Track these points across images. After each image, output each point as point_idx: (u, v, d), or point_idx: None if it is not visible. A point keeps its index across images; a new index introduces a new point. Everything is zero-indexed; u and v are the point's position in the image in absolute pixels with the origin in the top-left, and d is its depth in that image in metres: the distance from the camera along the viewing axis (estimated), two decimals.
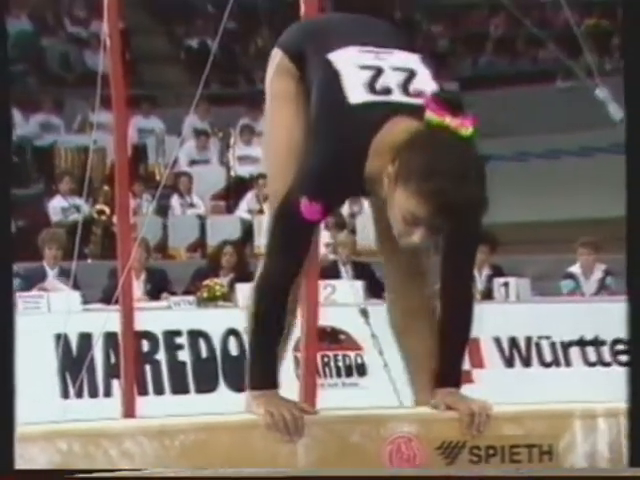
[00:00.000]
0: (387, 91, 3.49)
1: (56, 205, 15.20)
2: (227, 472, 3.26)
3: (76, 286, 11.07)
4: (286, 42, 3.78)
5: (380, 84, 3.49)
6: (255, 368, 3.65)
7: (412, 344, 3.97)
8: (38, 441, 3.23)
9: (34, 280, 11.55)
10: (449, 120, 3.33)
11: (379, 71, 3.52)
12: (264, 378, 3.63)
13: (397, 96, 3.48)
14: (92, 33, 17.77)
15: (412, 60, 3.63)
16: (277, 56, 3.78)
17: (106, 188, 14.40)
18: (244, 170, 16.70)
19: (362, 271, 11.84)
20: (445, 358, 3.75)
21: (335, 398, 8.42)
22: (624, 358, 10.91)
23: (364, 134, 3.42)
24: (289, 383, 3.85)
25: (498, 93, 19.77)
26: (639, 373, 3.22)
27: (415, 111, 3.42)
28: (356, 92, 3.48)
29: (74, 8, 19.91)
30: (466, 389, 3.77)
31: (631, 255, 3.22)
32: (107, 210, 14.09)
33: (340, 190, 3.58)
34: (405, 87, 3.50)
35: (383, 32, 3.78)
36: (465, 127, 3.35)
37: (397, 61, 3.58)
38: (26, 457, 3.15)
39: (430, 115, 3.34)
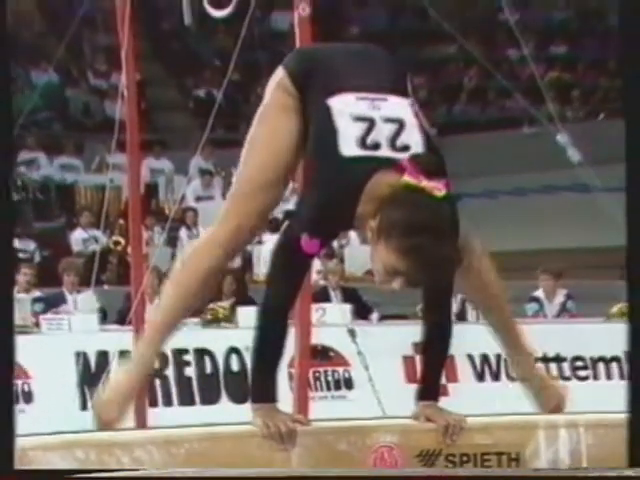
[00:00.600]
0: (376, 146, 3.45)
1: (77, 237, 15.22)
2: (225, 472, 3.25)
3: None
4: (291, 66, 3.68)
5: (371, 139, 3.46)
6: (256, 383, 3.67)
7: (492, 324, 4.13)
8: (58, 450, 3.21)
9: (55, 303, 11.52)
10: (424, 183, 3.33)
11: (372, 123, 3.47)
12: (264, 393, 3.62)
13: (384, 151, 3.45)
14: (111, 84, 17.79)
15: (403, 108, 3.55)
16: (280, 75, 3.69)
17: (121, 222, 14.40)
18: None
19: (349, 296, 11.83)
20: (426, 375, 3.82)
21: (325, 409, 8.39)
22: (583, 373, 10.90)
23: (355, 184, 3.41)
24: (284, 396, 3.83)
25: (471, 138, 19.81)
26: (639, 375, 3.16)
27: (399, 165, 3.40)
28: (348, 146, 3.45)
29: (96, 62, 19.94)
30: (442, 401, 3.78)
31: (631, 272, 3.18)
32: (122, 241, 14.06)
33: (335, 228, 3.61)
34: (393, 141, 3.47)
35: (382, 69, 3.67)
36: (438, 189, 3.34)
37: (389, 111, 3.51)
38: (48, 464, 3.14)
39: (407, 179, 3.33)
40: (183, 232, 15.60)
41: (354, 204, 3.41)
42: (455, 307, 12.09)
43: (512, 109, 18.60)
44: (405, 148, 3.46)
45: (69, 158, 17.68)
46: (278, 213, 15.54)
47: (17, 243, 14.94)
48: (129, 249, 8.54)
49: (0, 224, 3.02)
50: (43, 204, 16.36)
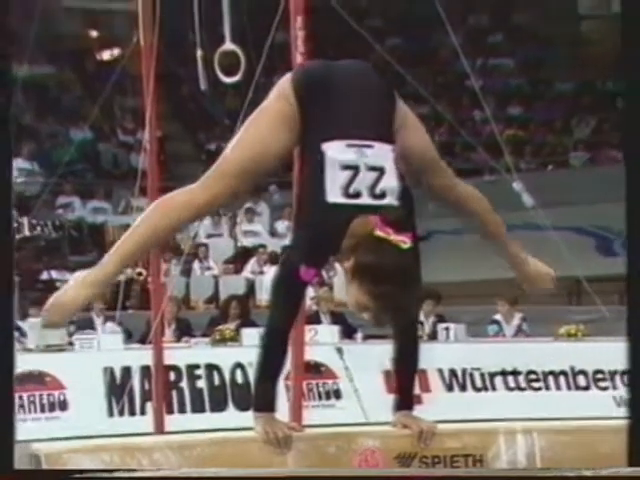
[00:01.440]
0: (357, 194, 3.43)
1: None
2: (225, 472, 3.23)
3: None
4: (297, 83, 3.58)
5: (353, 187, 3.43)
6: (258, 394, 3.65)
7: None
8: (87, 453, 3.17)
9: (85, 326, 11.48)
10: (392, 237, 3.30)
11: (356, 171, 3.44)
12: (265, 403, 3.61)
13: (364, 199, 3.42)
14: (137, 140, 17.77)
15: (386, 154, 3.50)
16: (285, 86, 3.60)
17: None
18: (248, 241, 16.68)
19: (338, 319, 11.78)
20: (400, 388, 3.81)
21: (317, 416, 8.31)
22: (536, 385, 10.85)
23: (338, 226, 3.38)
24: (281, 405, 3.80)
25: None
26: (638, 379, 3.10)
27: (377, 208, 3.40)
28: (334, 194, 3.42)
29: (124, 121, 19.96)
30: (417, 409, 3.76)
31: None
32: (144, 272, 13.98)
33: (326, 259, 3.59)
34: (372, 189, 3.44)
35: (374, 109, 3.57)
36: (404, 242, 3.31)
37: (373, 158, 3.47)
38: (78, 466, 3.10)
39: (378, 233, 3.30)
40: (196, 264, 15.58)
41: (339, 241, 3.39)
42: (427, 328, 12.07)
43: (475, 161, 18.61)
44: (382, 195, 3.44)
45: (99, 202, 17.69)
46: (277, 247, 15.56)
47: (54, 274, 14.91)
48: (150, 279, 8.49)
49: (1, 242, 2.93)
50: (77, 241, 16.32)
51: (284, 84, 3.61)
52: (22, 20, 16.07)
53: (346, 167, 3.45)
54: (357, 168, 3.45)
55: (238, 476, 3.13)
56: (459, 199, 3.93)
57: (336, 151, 3.45)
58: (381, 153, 3.49)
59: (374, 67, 3.71)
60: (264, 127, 3.54)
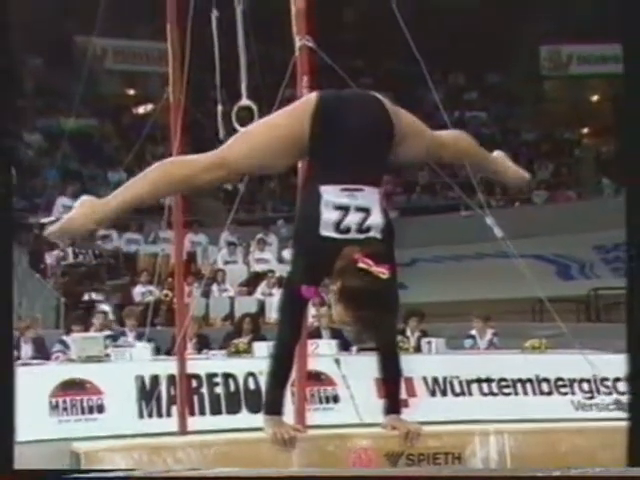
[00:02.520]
0: (347, 230, 3.42)
1: (137, 291, 15.09)
2: (224, 472, 3.17)
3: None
4: (320, 112, 3.46)
5: (344, 224, 3.42)
6: (268, 400, 3.61)
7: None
8: (120, 452, 3.12)
9: (118, 340, 11.42)
10: (373, 268, 3.28)
11: (347, 211, 3.43)
12: (273, 407, 3.57)
13: (352, 234, 3.42)
14: None
15: (373, 196, 3.47)
16: (310, 105, 3.47)
17: (170, 280, 14.30)
18: (259, 267, 16.62)
19: (336, 334, 11.70)
20: (388, 394, 3.77)
21: (318, 418, 8.25)
22: (506, 391, 10.77)
23: (330, 254, 3.36)
24: (287, 408, 3.75)
25: (424, 219, 19.80)
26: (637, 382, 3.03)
27: (362, 242, 3.38)
28: (326, 230, 3.42)
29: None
30: (404, 411, 3.72)
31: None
32: (170, 294, 13.93)
33: (322, 279, 3.53)
34: (360, 226, 3.43)
35: (370, 156, 3.49)
36: (383, 273, 3.28)
37: (362, 201, 3.45)
38: (112, 464, 3.05)
39: (360, 265, 3.28)
40: (214, 287, 15.52)
41: (331, 266, 3.36)
42: (413, 342, 11.99)
43: (453, 198, 18.61)
44: (368, 230, 3.43)
45: (133, 234, 17.64)
46: (284, 273, 15.50)
47: (94, 296, 14.85)
48: (175, 300, 8.45)
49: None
50: (114, 267, 16.27)
51: (309, 103, 3.50)
52: (70, 81, 16.11)
53: (339, 207, 3.44)
54: (348, 209, 3.44)
55: (246, 476, 3.10)
56: (458, 149, 3.89)
57: (332, 194, 3.44)
58: (369, 196, 3.48)
59: (377, 99, 3.60)
60: (276, 141, 3.46)
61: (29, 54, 21.60)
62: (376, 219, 3.46)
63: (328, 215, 3.42)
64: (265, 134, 3.48)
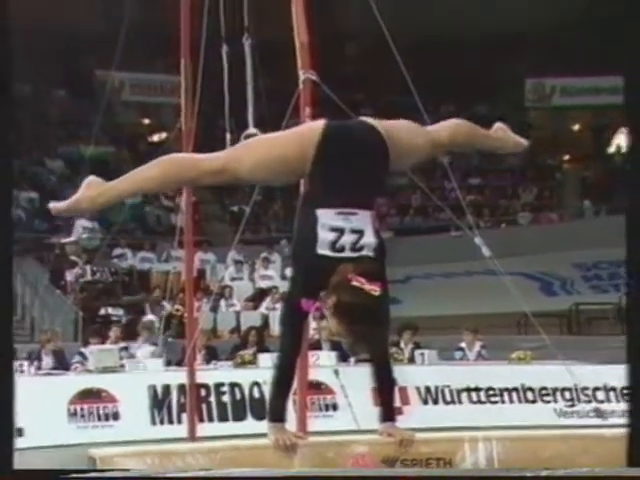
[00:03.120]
0: (342, 249, 3.42)
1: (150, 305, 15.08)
2: (224, 473, 3.14)
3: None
4: (324, 140, 3.44)
5: (339, 244, 3.42)
6: (272, 408, 3.59)
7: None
8: (133, 457, 3.10)
9: (134, 350, 11.38)
10: (366, 286, 3.28)
11: (342, 232, 3.42)
12: (277, 415, 3.54)
13: (347, 253, 3.41)
14: (176, 204, 17.73)
15: (366, 219, 3.46)
16: (316, 132, 3.45)
17: (181, 295, 14.25)
18: (264, 284, 16.59)
19: (335, 346, 11.64)
20: (382, 403, 3.73)
21: (318, 425, 8.21)
22: (494, 399, 10.73)
23: (326, 271, 3.36)
24: (289, 415, 3.73)
25: (416, 239, 19.78)
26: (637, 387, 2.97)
27: (355, 260, 3.38)
28: (323, 248, 3.42)
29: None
30: (398, 418, 3.70)
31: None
32: (181, 309, 13.88)
33: (320, 292, 3.49)
34: (354, 246, 3.43)
35: (365, 183, 3.48)
36: (375, 290, 3.29)
37: (356, 223, 3.44)
38: (126, 468, 3.03)
39: (354, 283, 3.28)
40: (222, 302, 15.49)
41: (327, 282, 3.36)
42: (407, 353, 11.95)
43: (444, 220, 18.60)
44: (361, 249, 3.43)
45: (146, 253, 17.62)
46: (287, 289, 15.44)
47: (110, 310, 14.82)
48: (185, 314, 8.44)
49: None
50: (128, 284, 16.25)
51: (315, 131, 3.48)
52: (90, 111, 16.13)
53: (334, 229, 3.43)
54: (343, 230, 3.44)
55: (247, 476, 3.07)
56: (458, 137, 3.81)
57: (327, 217, 3.44)
58: (363, 219, 3.47)
59: (371, 126, 3.57)
60: (286, 152, 3.44)
61: (53, 86, 21.68)
62: (369, 239, 3.45)
63: (324, 235, 3.42)
64: (270, 151, 3.46)
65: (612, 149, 24.40)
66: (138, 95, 22.24)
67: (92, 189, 3.45)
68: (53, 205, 3.53)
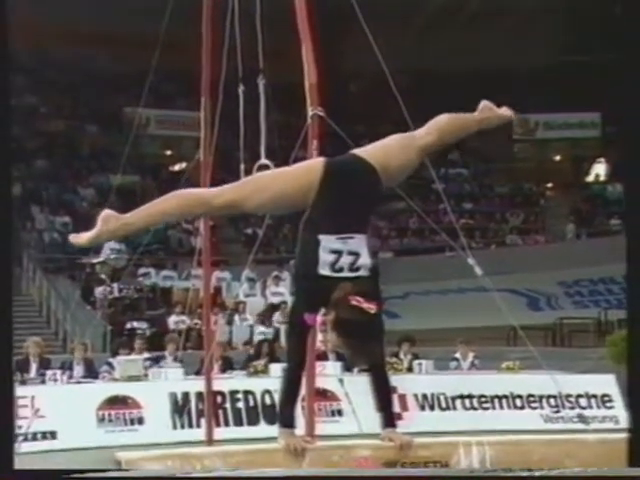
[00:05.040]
0: (340, 269, 3.43)
1: (172, 320, 15.03)
2: (225, 472, 3.10)
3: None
4: (325, 176, 3.45)
5: (338, 265, 3.43)
6: (282, 414, 3.55)
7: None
8: (156, 460, 3.06)
9: (157, 362, 11.32)
10: (364, 305, 3.30)
11: (340, 254, 3.44)
12: (286, 421, 3.51)
13: (345, 273, 3.43)
14: (195, 227, 17.74)
15: (362, 242, 3.47)
16: (318, 169, 3.47)
17: (199, 310, 14.21)
18: (275, 300, 16.54)
19: (340, 357, 11.59)
20: (382, 410, 3.70)
21: (325, 429, 8.16)
22: (486, 405, 10.66)
23: (326, 291, 3.37)
24: (299, 422, 3.69)
25: (414, 259, 19.75)
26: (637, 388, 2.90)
27: (352, 279, 3.40)
28: (323, 269, 3.43)
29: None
30: (399, 423, 3.66)
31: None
32: (199, 322, 13.88)
33: (320, 308, 3.50)
34: (351, 266, 3.44)
35: (361, 210, 3.49)
36: (371, 308, 3.31)
37: (353, 246, 3.46)
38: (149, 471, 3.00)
39: (352, 302, 3.30)
40: (236, 316, 15.45)
41: (328, 298, 3.37)
42: (406, 364, 11.88)
43: (439, 241, 18.57)
44: (358, 269, 3.44)
45: (169, 272, 17.61)
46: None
47: (135, 324, 14.79)
48: (203, 327, 8.41)
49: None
50: (152, 300, 16.24)
51: (315, 167, 3.50)
52: (118, 144, 16.18)
53: (333, 252, 3.45)
54: (341, 253, 3.45)
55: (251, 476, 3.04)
56: (444, 133, 3.69)
57: (328, 241, 3.45)
58: (359, 242, 3.49)
59: (360, 158, 3.56)
60: (289, 188, 3.46)
61: (85, 122, 21.82)
62: (365, 260, 3.47)
63: (325, 257, 3.43)
64: (277, 186, 3.47)
65: (591, 178, 24.40)
66: (162, 129, 22.34)
67: (111, 223, 3.43)
68: (74, 238, 3.49)
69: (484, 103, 3.82)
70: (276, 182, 3.49)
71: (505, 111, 3.83)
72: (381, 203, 3.68)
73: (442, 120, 3.71)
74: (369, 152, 3.58)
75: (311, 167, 3.55)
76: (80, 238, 3.46)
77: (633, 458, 2.91)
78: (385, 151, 3.59)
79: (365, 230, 3.52)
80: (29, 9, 18.05)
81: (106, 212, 3.46)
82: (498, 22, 21.26)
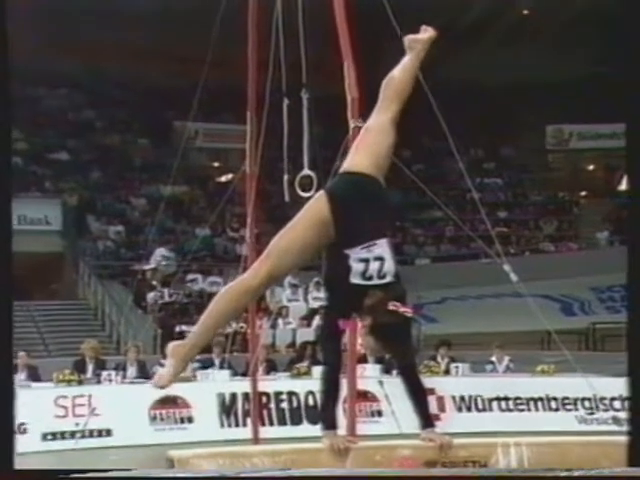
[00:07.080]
0: (370, 278, 3.43)
1: None
2: (227, 472, 3.06)
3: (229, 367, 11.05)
4: (334, 204, 3.45)
5: (367, 273, 3.43)
6: (324, 416, 3.54)
7: None
8: (207, 458, 3.06)
9: (206, 364, 11.36)
10: (401, 309, 3.35)
11: (368, 262, 3.43)
12: (329, 423, 3.49)
13: (374, 280, 3.43)
14: (241, 235, 17.82)
15: (384, 246, 3.47)
16: (324, 203, 3.46)
17: (245, 315, 14.21)
18: (316, 304, 16.51)
19: (379, 359, 11.54)
20: (420, 411, 3.64)
21: (365, 429, 8.13)
22: (521, 407, 10.55)
23: (358, 298, 3.40)
24: (341, 422, 3.67)
25: (451, 265, 19.61)
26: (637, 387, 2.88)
27: (382, 286, 3.41)
28: (355, 278, 3.43)
29: (232, 223, 19.99)
30: (437, 424, 3.62)
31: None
32: (245, 326, 13.91)
33: (353, 314, 3.50)
34: (379, 272, 3.44)
35: (380, 216, 3.49)
36: (408, 312, 3.36)
37: (378, 252, 3.46)
38: (199, 468, 2.99)
39: (390, 307, 3.33)
40: (280, 320, 15.45)
41: (360, 305, 3.39)
42: (443, 367, 11.79)
43: (475, 248, 18.41)
44: (384, 276, 3.44)
45: (215, 277, 17.68)
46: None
47: (184, 327, 14.86)
48: (249, 331, 8.45)
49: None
50: (200, 305, 16.28)
51: (320, 200, 3.50)
52: (168, 156, 16.35)
53: (361, 260, 3.45)
54: (368, 260, 3.45)
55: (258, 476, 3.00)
56: (399, 89, 3.64)
57: (355, 253, 3.44)
58: (382, 247, 3.48)
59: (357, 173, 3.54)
60: (308, 238, 3.47)
61: (137, 136, 22.09)
62: (390, 265, 3.47)
63: (356, 267, 3.44)
64: (297, 245, 3.49)
65: (623, 186, 24.06)
66: (210, 142, 22.51)
67: (181, 354, 3.41)
68: (157, 382, 3.43)
69: (406, 38, 3.74)
70: (294, 241, 3.50)
71: (425, 31, 3.75)
72: (390, 200, 3.67)
73: (393, 82, 3.65)
74: (357, 162, 3.56)
75: (318, 207, 3.52)
76: (162, 380, 3.41)
77: (633, 458, 2.87)
78: (371, 152, 3.57)
79: (384, 232, 3.51)
80: (87, 29, 18.36)
81: (172, 346, 3.44)
82: (531, 35, 21.08)
